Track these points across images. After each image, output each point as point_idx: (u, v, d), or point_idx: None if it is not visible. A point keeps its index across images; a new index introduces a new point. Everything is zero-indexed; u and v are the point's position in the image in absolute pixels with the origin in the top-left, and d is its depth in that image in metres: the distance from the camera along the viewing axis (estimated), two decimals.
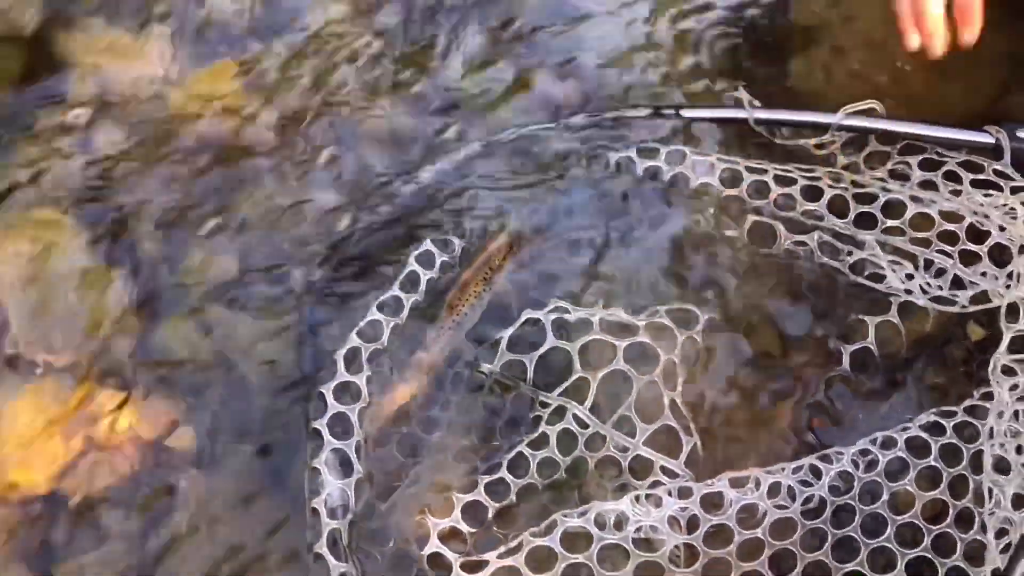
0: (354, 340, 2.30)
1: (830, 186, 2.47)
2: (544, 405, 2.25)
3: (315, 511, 2.10)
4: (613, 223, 2.56)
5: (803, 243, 2.44)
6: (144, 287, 2.48)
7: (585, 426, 2.22)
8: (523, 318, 2.33)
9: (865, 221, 2.46)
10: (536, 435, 2.22)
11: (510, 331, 2.32)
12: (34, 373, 2.34)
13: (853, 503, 2.14)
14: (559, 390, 2.26)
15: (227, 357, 2.40)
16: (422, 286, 2.40)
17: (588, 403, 2.23)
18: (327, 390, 2.22)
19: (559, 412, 2.24)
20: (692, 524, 2.09)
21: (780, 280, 2.47)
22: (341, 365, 2.25)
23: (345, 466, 2.16)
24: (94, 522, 2.23)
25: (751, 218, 2.49)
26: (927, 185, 2.46)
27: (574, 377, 2.25)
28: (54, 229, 2.54)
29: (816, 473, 2.15)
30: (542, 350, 2.28)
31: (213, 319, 2.45)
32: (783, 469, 2.14)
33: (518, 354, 2.30)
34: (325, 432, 2.18)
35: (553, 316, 2.32)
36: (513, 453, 2.20)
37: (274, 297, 2.47)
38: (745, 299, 2.45)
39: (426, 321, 2.35)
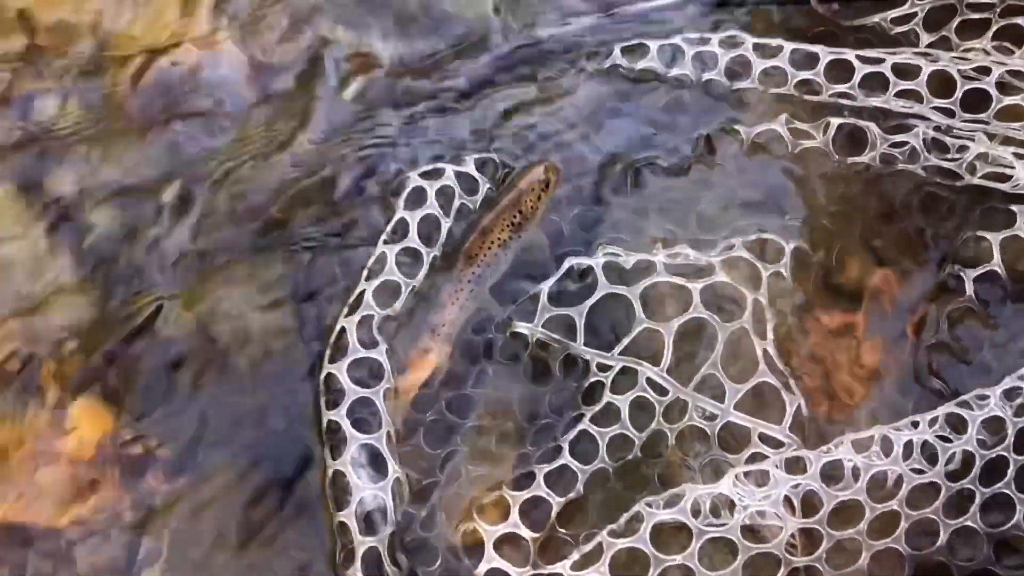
0: (370, 306, 1.83)
1: (930, 62, 2.03)
2: (604, 369, 1.81)
3: (343, 526, 1.67)
4: (664, 147, 2.11)
5: (902, 144, 2.00)
6: (107, 266, 2.01)
7: (663, 392, 1.78)
8: (566, 266, 1.89)
9: (974, 102, 2.01)
10: (600, 407, 1.78)
11: (550, 282, 1.89)
12: None
13: (1007, 455, 1.71)
14: (620, 348, 1.81)
15: (211, 337, 1.94)
16: (442, 236, 1.94)
17: (665, 363, 1.78)
18: (339, 371, 1.76)
19: (627, 376, 1.79)
20: (809, 504, 1.66)
21: (875, 195, 2.03)
22: (354, 337, 1.79)
23: (376, 465, 1.71)
24: (63, 553, 1.78)
25: (834, 123, 2.03)
26: None
27: (638, 329, 1.81)
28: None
29: (956, 425, 1.72)
30: (593, 300, 1.84)
31: (193, 293, 1.99)
32: (916, 425, 1.71)
33: (563, 308, 1.85)
34: (345, 425, 1.72)
35: (604, 260, 1.88)
36: (575, 432, 1.76)
37: (263, 255, 2.01)
38: (836, 222, 2.01)
39: (441, 277, 1.91)
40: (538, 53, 2.24)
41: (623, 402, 1.77)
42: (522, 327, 1.86)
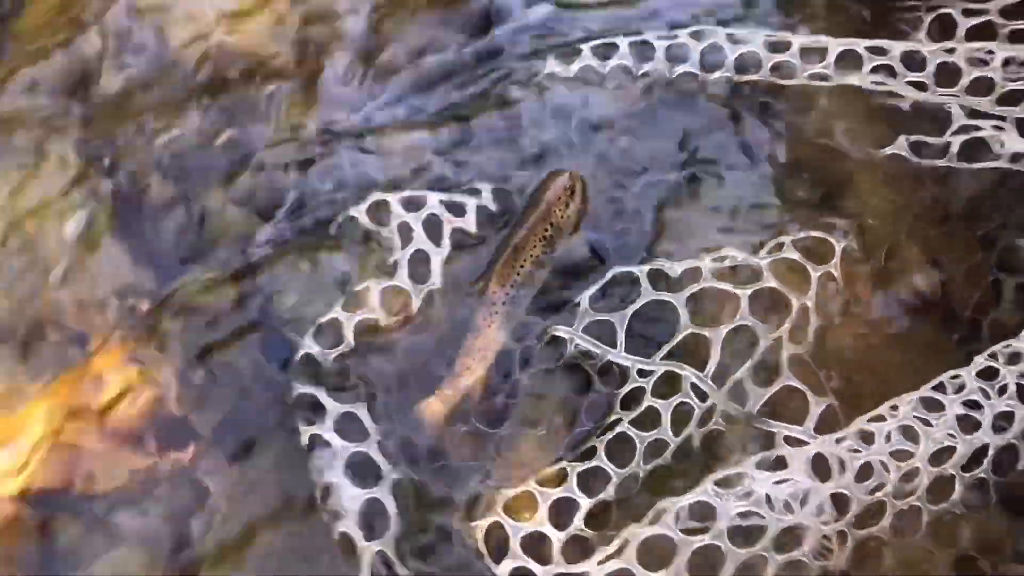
0: (348, 343, 1.84)
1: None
2: (644, 374, 1.76)
3: (345, 536, 1.65)
4: (698, 145, 2.08)
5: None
6: (153, 247, 2.04)
7: (704, 397, 1.74)
8: (610, 275, 1.85)
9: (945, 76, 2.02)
10: (641, 411, 1.73)
11: (592, 289, 1.84)
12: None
13: None
14: (662, 352, 1.77)
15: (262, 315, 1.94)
16: (433, 270, 1.91)
17: (710, 369, 1.74)
18: (320, 393, 1.79)
19: (667, 381, 1.75)
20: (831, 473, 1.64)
21: (923, 191, 1.98)
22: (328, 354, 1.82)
23: (368, 471, 1.71)
24: (103, 521, 1.78)
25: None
26: None
27: (683, 334, 1.77)
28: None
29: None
30: (637, 305, 1.80)
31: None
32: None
33: (604, 314, 1.81)
34: (332, 437, 1.73)
35: (649, 268, 1.84)
36: (612, 435, 1.72)
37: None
38: (883, 220, 1.95)
39: (474, 300, 1.87)
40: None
41: (666, 407, 1.72)
42: (561, 331, 1.82)
